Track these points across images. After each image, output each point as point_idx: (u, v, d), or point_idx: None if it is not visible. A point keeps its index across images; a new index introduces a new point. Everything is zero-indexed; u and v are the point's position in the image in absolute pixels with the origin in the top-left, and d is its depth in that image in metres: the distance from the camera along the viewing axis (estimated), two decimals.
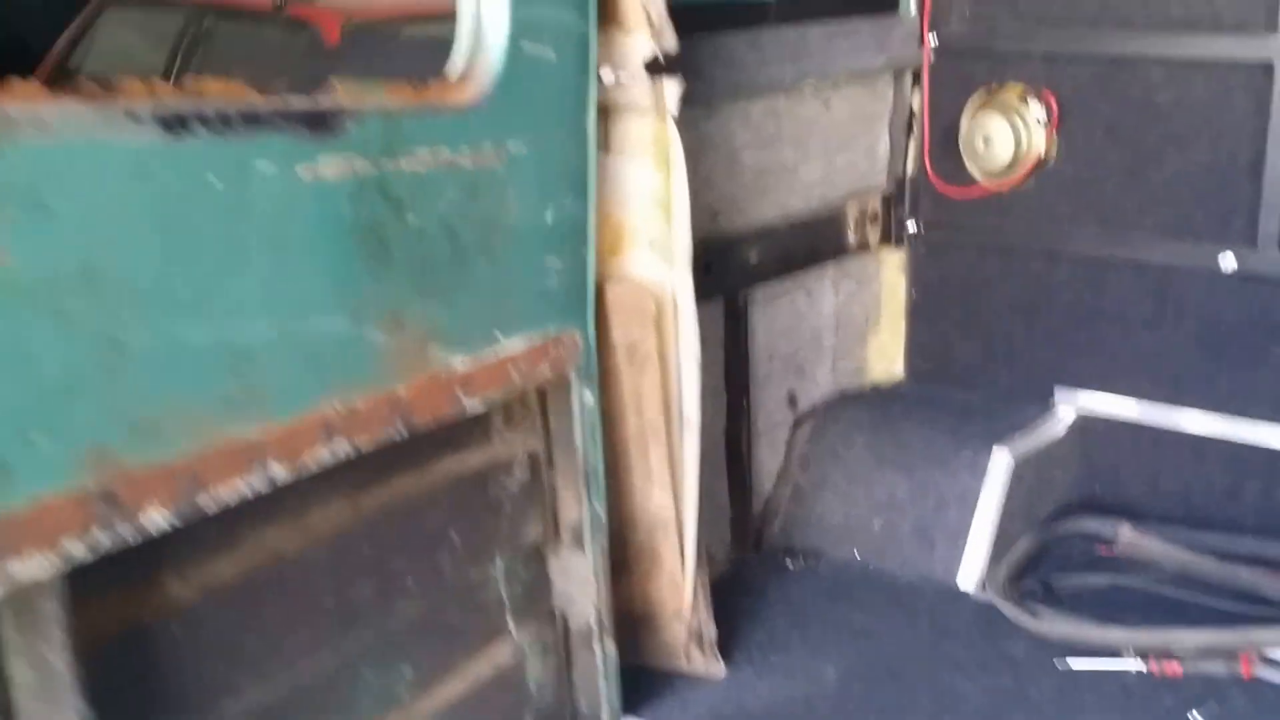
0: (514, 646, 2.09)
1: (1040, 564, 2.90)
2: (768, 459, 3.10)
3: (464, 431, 1.92)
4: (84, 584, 1.35)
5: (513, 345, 1.88)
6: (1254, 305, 2.83)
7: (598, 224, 2.06)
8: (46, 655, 1.32)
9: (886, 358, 3.43)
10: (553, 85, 1.92)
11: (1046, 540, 2.98)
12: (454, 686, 1.97)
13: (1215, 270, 2.85)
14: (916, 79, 3.20)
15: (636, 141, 2.19)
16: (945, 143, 3.18)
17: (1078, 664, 2.48)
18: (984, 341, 3.26)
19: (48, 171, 1.28)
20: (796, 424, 3.17)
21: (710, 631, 2.47)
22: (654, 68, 2.11)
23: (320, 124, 1.52)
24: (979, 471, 2.89)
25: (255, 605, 1.66)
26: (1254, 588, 2.68)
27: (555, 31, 1.90)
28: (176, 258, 1.40)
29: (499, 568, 2.04)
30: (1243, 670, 2.40)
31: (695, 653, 2.47)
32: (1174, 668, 2.43)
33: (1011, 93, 3.05)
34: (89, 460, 1.33)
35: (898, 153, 3.27)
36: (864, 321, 3.37)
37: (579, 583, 2.15)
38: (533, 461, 2.08)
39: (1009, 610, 2.65)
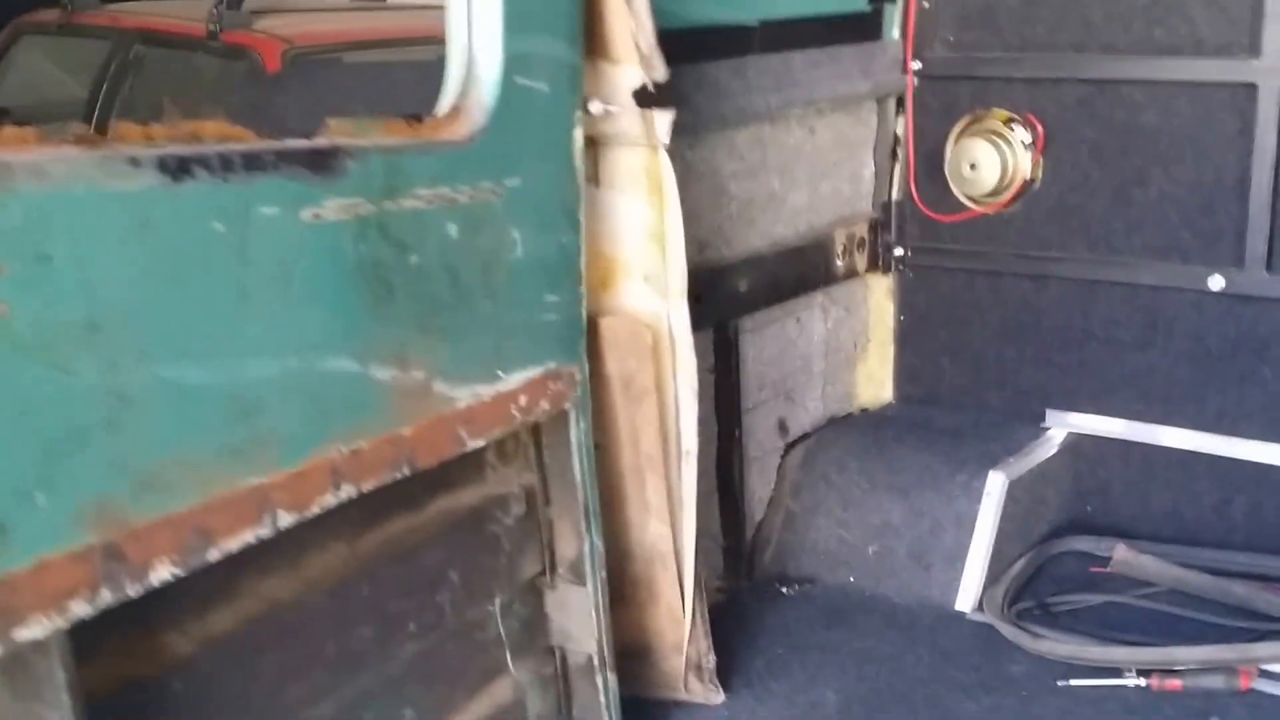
0: (514, 683, 2.07)
1: (1036, 584, 2.91)
2: (759, 486, 3.09)
3: (458, 468, 1.90)
4: (80, 638, 1.32)
5: (513, 382, 1.87)
6: (1242, 325, 2.86)
7: (588, 257, 2.05)
8: (46, 717, 1.28)
9: (875, 382, 3.44)
10: (545, 118, 1.92)
11: (1041, 561, 2.99)
12: None
13: (1203, 291, 2.88)
14: (900, 105, 3.22)
15: (626, 174, 2.18)
16: (930, 168, 3.20)
17: (1079, 683, 2.48)
18: (973, 364, 3.28)
19: (47, 220, 1.25)
20: (787, 450, 3.16)
21: (710, 661, 2.46)
22: (643, 98, 2.11)
23: (321, 165, 1.51)
24: (974, 494, 2.90)
25: (254, 654, 1.63)
26: (1248, 602, 2.70)
27: (547, 64, 1.89)
28: (179, 305, 1.37)
29: (497, 605, 2.02)
30: (1242, 684, 2.43)
31: (694, 682, 2.45)
32: (1174, 683, 2.44)
33: (996, 117, 3.08)
34: (93, 516, 1.30)
35: (883, 178, 3.28)
36: (853, 347, 3.37)
37: (578, 617, 2.13)
38: (528, 496, 2.06)
39: (1009, 631, 2.65)
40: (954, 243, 3.21)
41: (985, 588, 2.84)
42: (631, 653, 2.39)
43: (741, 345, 2.92)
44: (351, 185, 1.55)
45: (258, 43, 4.35)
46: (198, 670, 1.54)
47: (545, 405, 1.95)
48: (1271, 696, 2.42)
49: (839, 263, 3.20)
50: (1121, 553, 2.87)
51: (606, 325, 2.22)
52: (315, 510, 1.54)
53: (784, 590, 2.95)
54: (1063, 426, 3.15)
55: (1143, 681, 2.45)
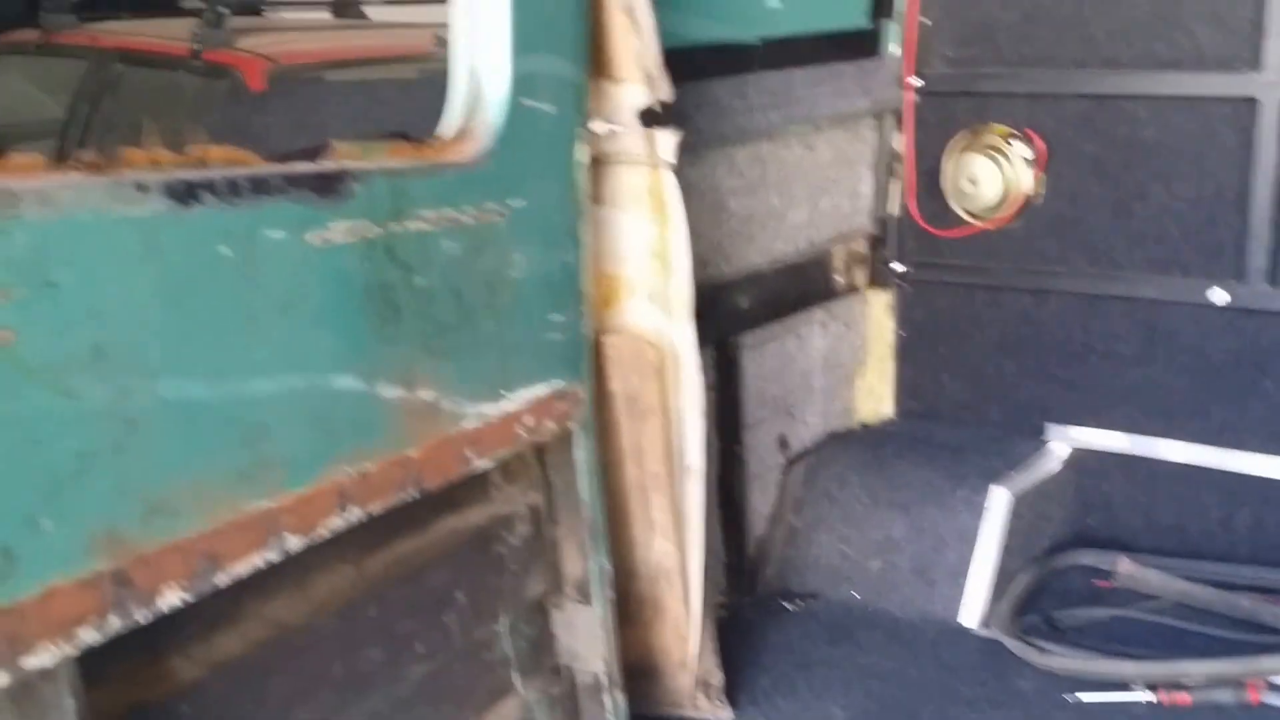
0: (521, 703, 2.06)
1: (1040, 599, 2.90)
2: (760, 503, 3.09)
3: (464, 489, 1.89)
4: (88, 663, 1.31)
5: (519, 402, 1.86)
6: (1244, 338, 2.86)
7: (591, 276, 2.05)
8: None
9: (875, 397, 3.43)
10: (550, 139, 1.92)
11: (1045, 575, 2.98)
12: None
13: (1204, 304, 2.88)
14: (898, 120, 3.23)
15: (629, 193, 2.19)
16: (929, 183, 3.20)
17: (1087, 697, 2.48)
18: (973, 379, 3.28)
19: (54, 247, 1.25)
20: (789, 466, 3.16)
21: (717, 678, 2.45)
22: (649, 118, 2.11)
23: (327, 188, 1.51)
24: (977, 509, 2.89)
25: (262, 676, 1.62)
26: (1255, 615, 2.70)
27: (553, 84, 1.90)
28: (187, 330, 1.37)
29: (504, 625, 2.02)
30: (1251, 697, 2.42)
31: (702, 700, 2.45)
32: (1183, 698, 2.44)
33: (996, 133, 3.08)
34: (101, 543, 1.29)
35: (881, 194, 3.29)
36: (852, 362, 3.37)
37: (585, 636, 2.12)
38: (534, 516, 2.06)
39: (1015, 646, 2.65)
40: (953, 258, 3.22)
41: (989, 603, 2.83)
42: (638, 671, 2.38)
43: (742, 362, 2.92)
44: (357, 208, 1.55)
45: (241, 61, 4.34)
46: (206, 694, 1.53)
47: (551, 425, 1.94)
48: None
49: (838, 278, 3.20)
50: (1126, 566, 2.86)
51: (610, 344, 2.22)
52: (323, 533, 1.54)
53: (787, 606, 2.95)
54: (1064, 441, 3.15)
55: (1151, 696, 2.45)
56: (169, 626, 1.42)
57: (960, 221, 3.17)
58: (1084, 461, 3.14)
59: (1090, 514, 3.16)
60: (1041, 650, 2.62)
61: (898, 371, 3.40)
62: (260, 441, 1.45)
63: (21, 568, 1.22)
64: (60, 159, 1.32)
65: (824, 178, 3.12)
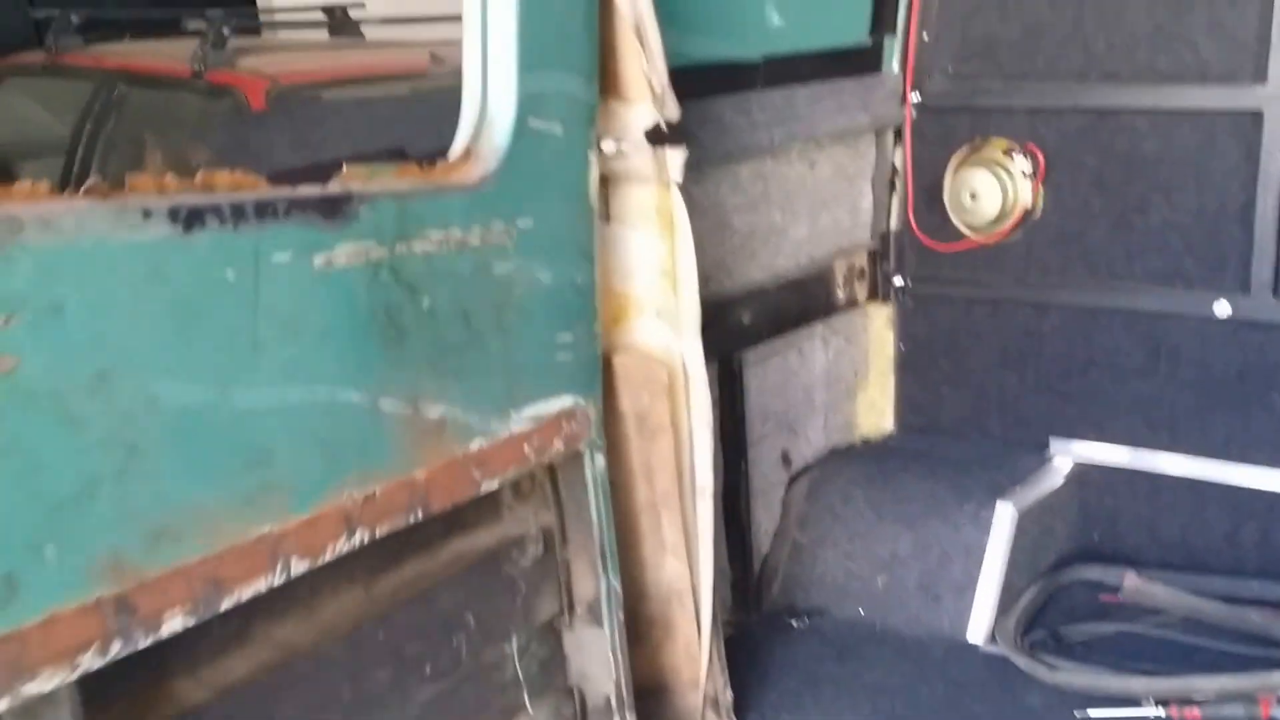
0: None
1: (1046, 614, 2.89)
2: (764, 519, 3.07)
3: (473, 509, 1.88)
4: (91, 687, 1.30)
5: (527, 422, 1.85)
6: (1248, 350, 2.85)
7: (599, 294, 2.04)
8: None
9: (876, 412, 3.42)
10: (559, 159, 1.91)
11: (1051, 590, 2.97)
12: None
13: (1208, 317, 2.87)
14: (898, 136, 3.23)
15: (638, 211, 2.18)
16: (929, 198, 3.20)
17: (1097, 713, 2.46)
18: (975, 393, 3.27)
19: (58, 273, 1.24)
20: (791, 482, 3.15)
21: (727, 696, 2.44)
22: (656, 136, 2.11)
23: (333, 211, 1.50)
24: (983, 524, 2.88)
25: (269, 700, 1.61)
26: (1265, 629, 2.69)
27: (562, 104, 1.89)
28: (191, 355, 1.36)
29: (514, 646, 2.00)
30: (1262, 713, 2.40)
31: (711, 718, 2.43)
32: (1193, 713, 2.42)
33: (996, 147, 3.08)
34: (103, 569, 1.28)
35: (881, 209, 3.28)
36: (853, 377, 3.36)
37: (596, 658, 2.11)
38: (545, 537, 2.04)
39: (1024, 662, 2.63)
40: (954, 272, 3.21)
41: (996, 618, 2.81)
42: (648, 690, 2.36)
43: (745, 378, 2.91)
44: (363, 230, 1.55)
45: (242, 81, 4.36)
46: (212, 718, 1.51)
47: (560, 445, 1.93)
48: None
49: (839, 293, 3.20)
50: (1132, 581, 2.85)
51: (620, 362, 2.21)
52: (328, 557, 1.53)
53: (793, 623, 2.93)
54: (1066, 455, 3.13)
55: (1161, 711, 2.43)
56: (174, 649, 1.41)
57: (961, 236, 3.16)
58: (1088, 476, 3.12)
59: (1095, 528, 3.15)
60: (1050, 667, 2.60)
61: (898, 386, 3.39)
62: (264, 465, 1.44)
63: (24, 594, 1.21)
64: (67, 177, 1.31)
65: (825, 193, 3.11)
